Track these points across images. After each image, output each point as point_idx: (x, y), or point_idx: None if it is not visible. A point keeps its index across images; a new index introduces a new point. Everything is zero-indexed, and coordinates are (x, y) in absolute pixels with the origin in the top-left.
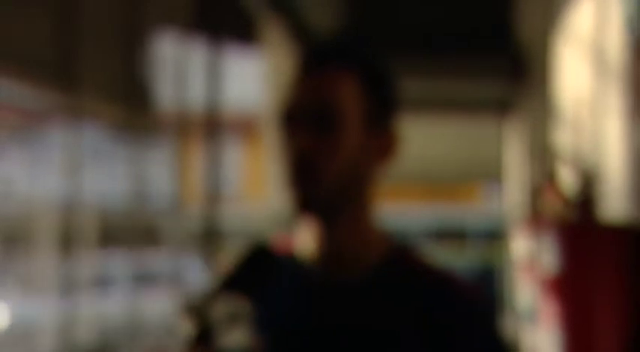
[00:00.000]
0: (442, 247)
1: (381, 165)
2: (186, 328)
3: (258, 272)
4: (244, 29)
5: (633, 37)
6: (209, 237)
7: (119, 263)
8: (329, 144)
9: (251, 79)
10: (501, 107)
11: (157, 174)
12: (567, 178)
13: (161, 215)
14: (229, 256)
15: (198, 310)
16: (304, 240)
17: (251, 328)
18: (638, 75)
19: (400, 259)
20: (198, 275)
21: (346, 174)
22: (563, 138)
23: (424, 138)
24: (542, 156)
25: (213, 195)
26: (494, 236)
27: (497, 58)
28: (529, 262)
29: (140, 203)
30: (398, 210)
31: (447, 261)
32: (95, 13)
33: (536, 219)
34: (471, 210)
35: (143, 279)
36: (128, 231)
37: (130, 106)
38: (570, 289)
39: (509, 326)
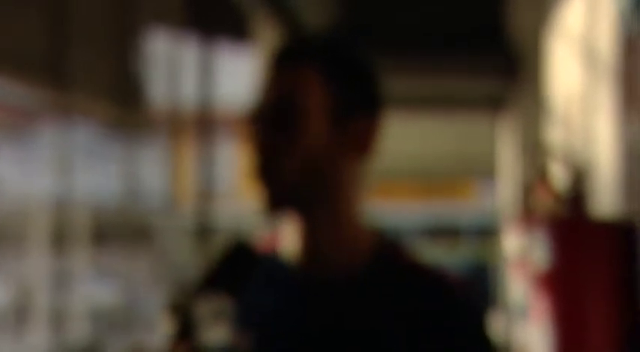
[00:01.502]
0: (435, 244)
1: (356, 160)
2: (169, 325)
3: (239, 269)
4: (237, 27)
5: (624, 34)
6: (202, 235)
7: (111, 260)
8: (289, 141)
9: (244, 76)
10: (494, 104)
11: (149, 171)
12: (559, 174)
13: (154, 213)
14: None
15: (180, 307)
16: (288, 238)
17: (233, 325)
18: (629, 72)
19: (388, 256)
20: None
21: (310, 169)
22: (555, 134)
23: (417, 136)
24: (535, 152)
25: (207, 193)
26: (488, 232)
27: (490, 55)
28: (521, 258)
29: (133, 201)
30: (391, 207)
31: (440, 258)
32: (87, 10)
33: (528, 215)
34: (464, 207)
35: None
36: (121, 229)
37: (123, 104)
38: (562, 285)
39: (502, 322)
